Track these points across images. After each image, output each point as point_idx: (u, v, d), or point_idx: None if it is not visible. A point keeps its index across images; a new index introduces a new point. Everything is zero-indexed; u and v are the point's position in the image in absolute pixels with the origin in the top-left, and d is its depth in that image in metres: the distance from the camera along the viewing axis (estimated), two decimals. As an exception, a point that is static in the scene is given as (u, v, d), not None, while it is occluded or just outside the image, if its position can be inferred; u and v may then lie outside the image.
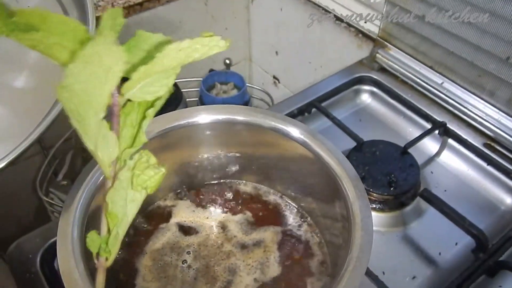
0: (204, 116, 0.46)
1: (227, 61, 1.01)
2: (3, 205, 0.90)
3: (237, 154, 0.51)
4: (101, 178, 0.41)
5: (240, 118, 0.46)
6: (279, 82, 1.13)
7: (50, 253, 0.52)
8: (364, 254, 0.35)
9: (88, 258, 0.36)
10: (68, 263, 0.34)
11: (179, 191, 0.53)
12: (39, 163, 0.90)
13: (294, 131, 0.45)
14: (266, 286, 0.45)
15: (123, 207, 0.29)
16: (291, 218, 0.50)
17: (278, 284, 0.45)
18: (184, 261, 0.46)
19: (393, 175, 0.58)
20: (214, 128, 0.47)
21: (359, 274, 0.34)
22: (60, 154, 0.91)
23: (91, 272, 0.35)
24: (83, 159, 0.82)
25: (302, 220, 0.50)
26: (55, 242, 0.52)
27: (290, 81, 1.10)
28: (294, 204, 0.51)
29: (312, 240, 0.48)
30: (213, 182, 0.54)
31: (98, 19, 0.81)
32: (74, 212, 0.38)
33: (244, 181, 0.54)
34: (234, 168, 0.52)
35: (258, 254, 0.47)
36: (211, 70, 1.04)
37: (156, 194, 0.52)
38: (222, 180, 0.54)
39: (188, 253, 0.47)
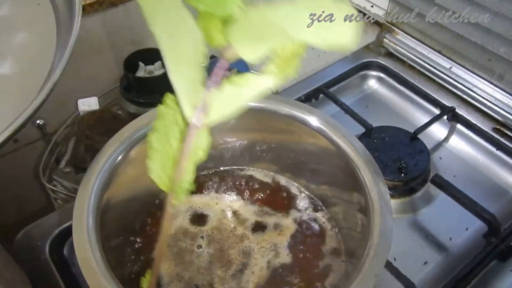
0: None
1: (230, 46, 1.00)
2: (5, 193, 0.89)
3: (251, 141, 0.50)
4: (114, 165, 0.40)
5: (257, 104, 0.45)
6: (281, 68, 1.12)
7: (59, 240, 0.51)
8: (385, 241, 0.35)
9: (104, 246, 0.35)
10: (85, 251, 0.34)
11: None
12: (41, 150, 0.89)
13: (311, 118, 0.44)
14: (281, 269, 0.45)
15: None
16: (305, 205, 0.50)
17: (291, 267, 0.45)
18: (199, 246, 0.46)
19: (403, 161, 0.58)
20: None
21: (381, 261, 0.34)
22: (63, 141, 0.90)
23: (108, 260, 0.35)
24: (86, 146, 0.81)
25: (316, 207, 0.50)
26: (63, 230, 0.52)
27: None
28: (307, 192, 0.51)
29: (325, 227, 0.48)
30: (225, 168, 0.53)
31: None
32: (88, 200, 0.37)
33: (256, 168, 0.53)
34: (247, 155, 0.51)
35: (271, 237, 0.47)
36: (212, 57, 1.02)
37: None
38: (234, 167, 0.53)
39: (202, 237, 0.47)
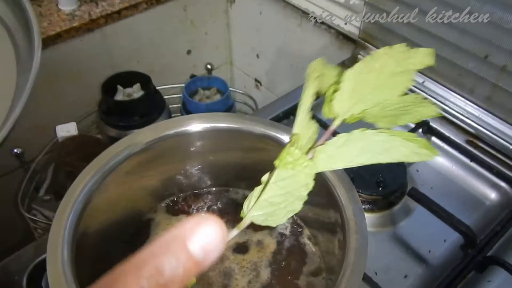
0: (194, 125, 0.46)
1: (209, 66, 1.00)
2: (-17, 223, 0.87)
3: (227, 162, 0.50)
4: (90, 193, 0.40)
5: (228, 125, 0.45)
6: (261, 85, 1.13)
7: (37, 273, 0.51)
8: (361, 258, 0.35)
9: (79, 279, 0.35)
10: (59, 285, 0.33)
11: (167, 201, 0.52)
12: (20, 178, 0.88)
13: (285, 137, 0.45)
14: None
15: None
16: (286, 225, 0.50)
17: (272, 286, 0.45)
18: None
19: (380, 176, 0.59)
20: (204, 137, 0.47)
21: (357, 279, 0.34)
22: (42, 168, 0.89)
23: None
24: (66, 172, 0.80)
25: (295, 225, 0.50)
26: (41, 262, 0.51)
27: (272, 83, 1.10)
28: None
29: (306, 245, 0.48)
30: (203, 190, 0.53)
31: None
32: (63, 231, 0.37)
33: (235, 189, 0.53)
34: (226, 176, 0.52)
35: (252, 257, 0.47)
36: (192, 76, 1.03)
37: (145, 205, 0.51)
38: (213, 189, 0.53)
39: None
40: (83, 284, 0.35)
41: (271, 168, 0.50)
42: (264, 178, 0.29)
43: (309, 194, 0.47)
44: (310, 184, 0.28)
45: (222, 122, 0.46)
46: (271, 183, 0.28)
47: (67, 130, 0.84)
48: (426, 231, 0.57)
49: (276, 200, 0.27)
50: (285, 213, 0.28)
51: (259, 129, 0.46)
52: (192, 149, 0.48)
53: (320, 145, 0.28)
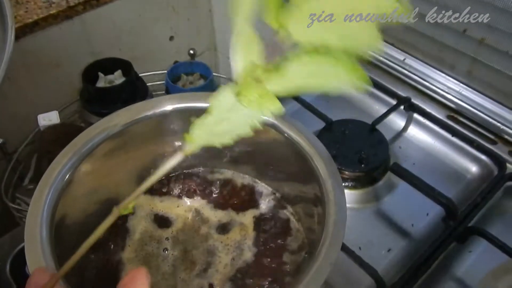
0: (170, 105, 0.46)
1: (191, 52, 0.99)
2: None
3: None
4: (67, 176, 0.40)
5: (204, 104, 0.45)
6: (245, 70, 1.12)
7: (20, 259, 0.50)
8: (339, 230, 0.36)
9: (59, 259, 0.35)
10: (38, 265, 0.33)
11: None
12: (3, 168, 0.87)
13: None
14: (245, 265, 0.45)
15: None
16: (266, 200, 0.50)
17: (256, 262, 0.45)
18: (165, 249, 0.46)
19: (363, 152, 0.59)
20: (181, 117, 0.46)
21: (335, 250, 0.35)
22: (25, 158, 0.88)
23: (68, 275, 0.34)
24: (49, 161, 0.79)
25: (277, 201, 0.50)
26: (23, 248, 0.51)
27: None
28: (268, 187, 0.51)
29: (288, 220, 0.48)
30: (184, 171, 0.53)
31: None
32: (41, 213, 0.37)
33: (215, 168, 0.53)
34: (205, 156, 0.52)
35: (235, 234, 0.47)
36: (175, 62, 1.02)
37: (126, 188, 0.51)
38: (193, 169, 0.53)
39: (167, 239, 0.47)
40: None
41: (250, 145, 0.50)
42: (213, 102, 0.28)
43: (290, 170, 0.47)
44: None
45: (198, 102, 0.45)
46: (216, 110, 0.27)
47: (49, 119, 0.83)
48: (409, 206, 0.57)
49: (222, 125, 0.27)
50: (232, 136, 0.28)
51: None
52: (170, 130, 0.48)
53: (270, 67, 0.26)
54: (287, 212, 0.49)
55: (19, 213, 0.77)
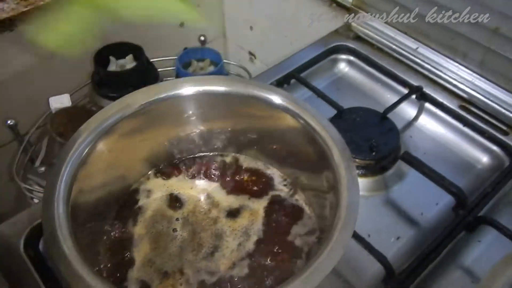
0: (187, 88, 0.46)
1: (202, 38, 0.99)
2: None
3: (222, 127, 0.50)
4: (84, 154, 0.40)
5: (221, 88, 0.45)
6: (255, 58, 1.12)
7: (34, 236, 0.51)
8: (352, 213, 0.36)
9: (77, 237, 0.35)
10: (54, 239, 0.34)
11: (161, 166, 0.52)
12: (14, 150, 0.87)
13: (277, 98, 0.45)
14: (253, 251, 0.46)
15: None
16: (277, 186, 0.51)
17: (263, 248, 0.46)
18: (175, 229, 0.47)
19: (373, 140, 0.59)
20: (197, 100, 0.47)
21: (348, 233, 0.35)
22: (36, 140, 0.89)
23: (82, 249, 0.35)
24: (60, 144, 0.80)
25: (289, 187, 0.50)
26: (38, 226, 0.52)
27: (267, 56, 1.09)
28: (280, 173, 0.52)
29: (299, 206, 0.49)
30: (199, 155, 0.53)
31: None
32: (58, 189, 0.37)
33: (229, 153, 0.53)
34: (220, 140, 0.52)
35: (244, 220, 0.48)
36: (185, 49, 1.02)
37: (138, 169, 0.51)
38: (207, 153, 0.53)
39: (178, 220, 0.47)
40: (80, 241, 0.36)
41: (264, 131, 0.50)
42: None
43: (304, 156, 0.47)
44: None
45: (214, 85, 0.46)
46: None
47: (60, 101, 0.83)
48: (418, 195, 0.57)
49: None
50: None
51: (250, 91, 0.46)
52: (185, 113, 0.48)
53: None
54: (299, 198, 0.49)
55: (30, 194, 0.78)
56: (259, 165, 0.52)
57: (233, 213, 0.49)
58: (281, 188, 0.51)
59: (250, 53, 1.13)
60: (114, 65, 0.85)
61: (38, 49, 0.84)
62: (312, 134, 0.42)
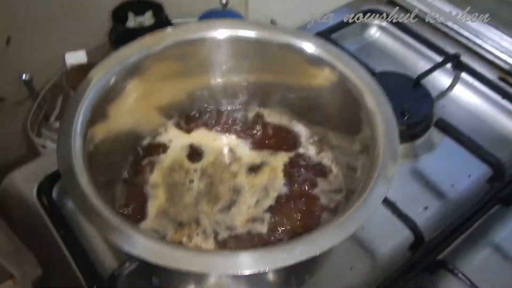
0: (217, 31, 0.43)
1: (223, 1, 0.96)
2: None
3: (249, 78, 0.47)
4: (99, 93, 0.38)
5: (252, 32, 0.42)
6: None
7: (47, 184, 0.49)
8: (389, 167, 0.33)
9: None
10: (72, 178, 0.31)
11: (180, 116, 0.49)
12: (29, 105, 0.86)
13: (308, 45, 0.41)
14: (271, 207, 0.43)
15: None
16: (303, 143, 0.48)
17: (284, 204, 0.43)
18: (191, 180, 0.44)
19: (406, 106, 0.56)
20: (227, 45, 0.44)
21: (384, 188, 0.32)
22: (51, 97, 0.87)
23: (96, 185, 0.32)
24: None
25: (315, 145, 0.48)
26: (51, 174, 0.50)
27: (288, 23, 1.05)
28: (307, 130, 0.49)
29: (324, 164, 0.46)
30: (223, 107, 0.51)
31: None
32: (74, 126, 0.35)
33: (255, 107, 0.51)
34: (246, 93, 0.49)
35: (264, 176, 0.45)
36: (205, 12, 0.99)
37: (157, 118, 0.49)
38: (232, 106, 0.51)
39: (195, 171, 0.45)
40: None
41: (291, 85, 0.47)
42: None
43: (337, 112, 0.44)
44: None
45: (246, 29, 0.42)
46: None
47: (76, 58, 0.81)
48: (449, 166, 0.54)
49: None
50: None
51: (283, 37, 0.42)
52: (212, 59, 0.45)
53: None
54: (326, 157, 0.47)
55: (44, 149, 0.77)
56: (285, 120, 0.49)
57: (254, 169, 0.46)
58: (307, 145, 0.48)
59: (272, 22, 1.09)
60: (132, 22, 0.82)
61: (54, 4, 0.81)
62: (350, 87, 0.39)
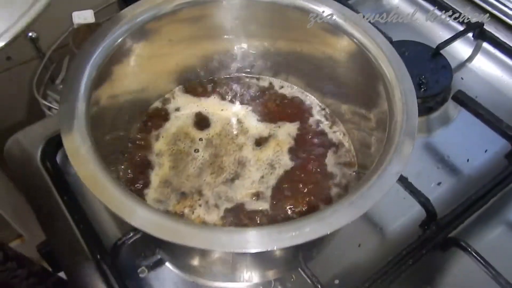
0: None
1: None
2: (-1, 112, 0.85)
3: (261, 45, 0.45)
4: (106, 52, 0.36)
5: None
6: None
7: (51, 147, 0.48)
8: (407, 139, 0.31)
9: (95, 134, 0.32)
10: (73, 140, 0.30)
11: (196, 81, 0.48)
12: (36, 68, 0.84)
13: (326, 9, 0.39)
14: (278, 181, 0.42)
15: None
16: (315, 116, 0.46)
17: (293, 177, 0.42)
18: (196, 150, 0.43)
19: (423, 77, 0.53)
20: (239, 9, 0.41)
21: (401, 161, 0.30)
22: (58, 58, 0.85)
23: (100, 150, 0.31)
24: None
25: (327, 117, 0.46)
26: (56, 137, 0.49)
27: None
28: (322, 104, 0.47)
29: (338, 140, 0.44)
30: (236, 74, 0.49)
31: None
32: (79, 82, 0.33)
33: (266, 76, 0.49)
34: (258, 61, 0.47)
35: (271, 150, 0.44)
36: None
37: (165, 82, 0.47)
38: (243, 75, 0.49)
39: (201, 140, 0.44)
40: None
41: (305, 53, 0.44)
42: None
43: (347, 76, 0.42)
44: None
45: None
46: None
47: (84, 17, 0.78)
48: (465, 141, 0.52)
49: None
50: None
51: (299, 1, 0.40)
52: (223, 23, 0.43)
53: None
54: (338, 130, 0.45)
55: (49, 111, 0.76)
56: (297, 91, 0.47)
57: (261, 142, 0.45)
58: (318, 118, 0.46)
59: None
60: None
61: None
62: (368, 58, 0.37)
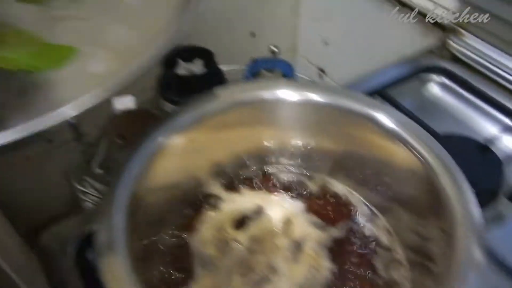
0: (285, 91, 0.40)
1: (275, 49, 0.94)
2: (34, 193, 0.86)
3: (315, 144, 0.44)
4: (150, 156, 0.35)
5: (324, 98, 0.39)
6: (325, 74, 1.06)
7: (85, 243, 0.47)
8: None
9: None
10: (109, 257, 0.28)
11: (230, 177, 0.47)
12: (73, 151, 0.86)
13: (382, 116, 0.37)
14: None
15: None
16: (365, 223, 0.43)
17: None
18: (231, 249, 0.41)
19: (471, 173, 0.50)
20: (295, 108, 0.41)
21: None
22: (95, 142, 0.87)
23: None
24: (120, 146, 0.77)
25: (381, 229, 0.43)
26: (90, 233, 0.47)
27: (338, 73, 1.02)
28: (372, 208, 0.44)
29: (388, 254, 0.41)
30: (285, 170, 0.48)
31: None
32: (120, 193, 0.32)
33: (319, 174, 0.47)
34: (313, 159, 0.45)
35: (305, 267, 0.41)
36: (254, 61, 0.97)
37: (206, 179, 0.46)
38: (295, 170, 0.48)
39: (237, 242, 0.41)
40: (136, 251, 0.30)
41: (362, 158, 0.42)
42: None
43: (407, 194, 0.39)
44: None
45: (317, 93, 0.39)
46: None
47: (124, 103, 0.80)
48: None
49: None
50: None
51: (356, 106, 0.39)
52: (276, 119, 0.42)
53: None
54: (392, 250, 0.41)
55: (85, 197, 0.75)
56: (347, 193, 0.45)
57: (299, 247, 0.42)
58: (369, 223, 0.43)
59: (320, 69, 1.07)
60: (181, 69, 0.82)
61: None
62: (428, 172, 0.35)
